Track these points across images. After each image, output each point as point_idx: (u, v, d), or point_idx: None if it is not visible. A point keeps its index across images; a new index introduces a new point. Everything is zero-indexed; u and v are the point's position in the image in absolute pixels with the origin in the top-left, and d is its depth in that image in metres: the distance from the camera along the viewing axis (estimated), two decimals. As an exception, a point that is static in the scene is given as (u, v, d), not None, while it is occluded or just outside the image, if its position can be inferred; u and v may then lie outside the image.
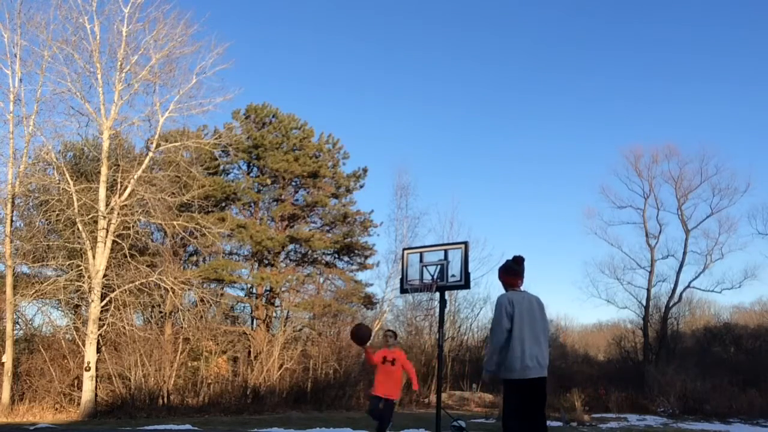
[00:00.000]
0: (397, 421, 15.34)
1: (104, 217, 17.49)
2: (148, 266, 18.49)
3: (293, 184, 26.28)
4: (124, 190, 17.75)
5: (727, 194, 29.30)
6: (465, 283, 9.35)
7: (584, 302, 77.53)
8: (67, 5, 17.60)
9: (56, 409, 17.82)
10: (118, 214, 17.56)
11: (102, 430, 13.52)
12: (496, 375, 5.41)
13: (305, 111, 57.84)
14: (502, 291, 5.61)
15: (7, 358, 17.50)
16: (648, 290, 29.35)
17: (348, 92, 62.94)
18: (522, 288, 5.55)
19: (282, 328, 22.62)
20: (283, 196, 25.91)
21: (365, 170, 27.07)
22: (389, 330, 8.77)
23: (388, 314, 27.04)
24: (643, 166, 30.71)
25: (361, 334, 8.32)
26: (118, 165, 17.99)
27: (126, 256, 17.68)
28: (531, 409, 5.25)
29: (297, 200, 26.60)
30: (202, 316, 20.35)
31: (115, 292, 17.55)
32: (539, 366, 5.22)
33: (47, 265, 18.89)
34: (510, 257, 5.68)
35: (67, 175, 17.69)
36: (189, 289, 20.55)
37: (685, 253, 29.14)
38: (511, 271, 5.53)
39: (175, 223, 18.20)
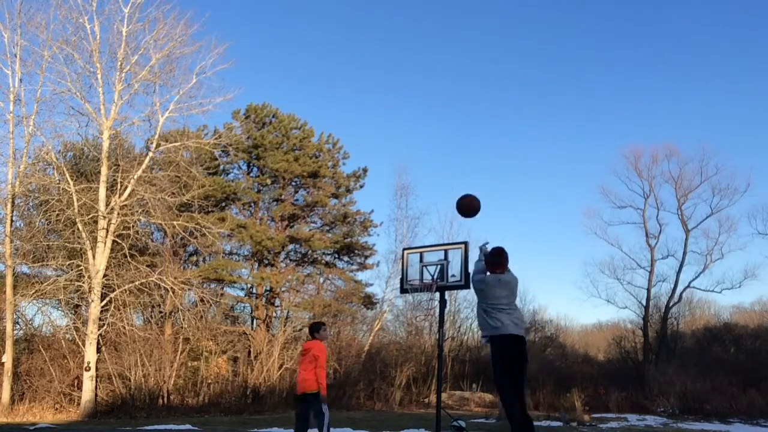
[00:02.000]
0: (397, 421, 15.35)
1: (104, 217, 17.49)
2: (148, 266, 18.49)
3: (293, 184, 26.29)
4: (124, 190, 17.75)
5: (727, 194, 29.29)
6: (465, 283, 9.32)
7: (584, 302, 77.44)
8: (67, 5, 17.64)
9: (56, 409, 17.82)
10: (118, 214, 17.56)
11: (102, 430, 13.52)
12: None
13: (305, 111, 57.90)
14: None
15: (7, 358, 17.50)
16: (648, 290, 29.34)
17: (348, 92, 63.02)
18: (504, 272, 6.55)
19: (282, 328, 22.62)
20: (283, 196, 25.91)
21: (365, 170, 27.10)
22: (316, 322, 8.57)
23: (388, 314, 27.06)
24: (643, 166, 30.72)
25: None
26: (118, 165, 17.99)
27: (126, 256, 17.69)
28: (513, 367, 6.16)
29: (297, 200, 26.62)
30: (202, 316, 20.35)
31: (115, 292, 17.55)
32: (502, 325, 6.19)
33: (47, 265, 18.89)
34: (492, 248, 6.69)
35: (67, 175, 17.69)
36: (189, 289, 20.55)
37: (685, 253, 29.14)
38: (489, 263, 6.57)
39: (175, 223, 18.20)
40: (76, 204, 17.40)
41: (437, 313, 9.79)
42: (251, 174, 26.45)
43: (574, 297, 73.71)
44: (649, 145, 37.90)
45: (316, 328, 8.26)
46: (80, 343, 17.88)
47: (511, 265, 6.65)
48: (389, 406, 21.63)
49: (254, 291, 25.44)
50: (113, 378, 18.35)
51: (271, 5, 67.79)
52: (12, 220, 18.47)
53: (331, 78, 65.74)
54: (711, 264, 28.94)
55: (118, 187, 17.75)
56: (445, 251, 9.49)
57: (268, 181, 25.56)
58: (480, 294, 6.50)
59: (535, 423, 16.42)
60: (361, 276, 26.86)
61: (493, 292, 6.32)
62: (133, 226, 17.80)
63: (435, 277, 9.30)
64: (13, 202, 18.46)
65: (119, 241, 17.69)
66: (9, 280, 17.87)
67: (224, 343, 21.31)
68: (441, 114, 66.16)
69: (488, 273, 6.56)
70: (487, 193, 61.04)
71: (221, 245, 22.90)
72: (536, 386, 23.57)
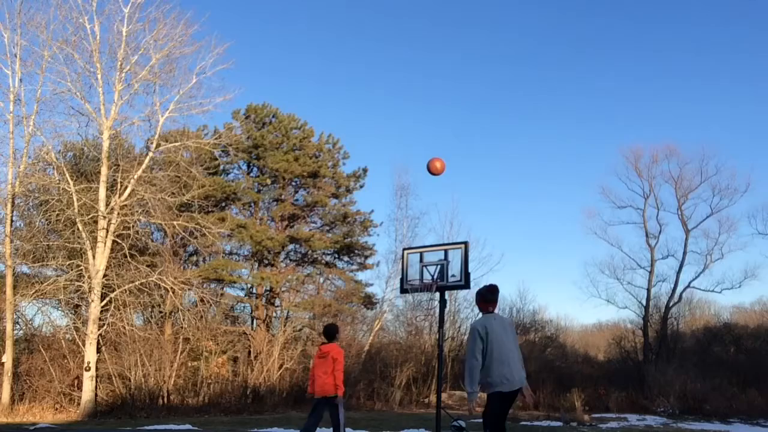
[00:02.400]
0: (397, 421, 15.35)
1: (104, 217, 17.49)
2: (148, 266, 18.49)
3: (293, 184, 26.28)
4: (124, 190, 17.75)
5: (727, 194, 29.24)
6: (465, 283, 9.34)
7: (584, 302, 77.38)
8: (67, 5, 17.65)
9: (56, 409, 17.82)
10: (118, 214, 17.56)
11: (102, 430, 13.53)
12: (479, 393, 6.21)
13: (305, 111, 57.85)
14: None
15: (7, 358, 17.50)
16: (648, 290, 29.31)
17: (348, 92, 63.08)
18: (495, 311, 6.27)
19: (282, 328, 22.61)
20: (283, 196, 25.91)
21: (365, 170, 27.09)
22: (333, 324, 8.63)
23: (388, 314, 27.03)
24: (643, 166, 30.66)
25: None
26: (118, 165, 17.99)
27: (126, 256, 17.69)
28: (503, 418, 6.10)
29: (297, 200, 26.61)
30: (202, 316, 20.35)
31: (115, 292, 17.55)
32: (509, 382, 5.91)
33: (47, 265, 18.89)
34: (486, 285, 6.41)
35: (67, 175, 17.69)
36: (189, 289, 20.54)
37: (685, 253, 29.11)
38: (484, 299, 6.27)
39: (175, 223, 18.20)
40: (76, 204, 17.40)
41: (437, 313, 9.80)
42: (251, 174, 26.45)
43: (574, 297, 73.82)
44: (649, 145, 37.80)
45: (336, 330, 8.33)
46: (80, 343, 17.88)
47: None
48: (389, 406, 21.62)
49: (254, 291, 25.44)
50: (113, 378, 18.34)
51: (272, 5, 67.83)
52: (12, 220, 18.47)
53: (332, 78, 65.83)
54: (711, 264, 28.93)
55: (118, 187, 17.75)
56: (445, 251, 9.50)
57: (268, 181, 25.55)
58: (485, 342, 5.93)
59: (535, 423, 16.37)
60: (361, 276, 26.90)
61: (495, 332, 5.93)
62: (133, 226, 17.80)
63: (435, 277, 9.30)
64: (13, 202, 18.46)
65: (119, 241, 17.69)
66: (9, 280, 17.87)
67: (224, 343, 21.31)
68: (441, 114, 66.23)
69: (481, 314, 6.27)
70: (487, 193, 61.15)
71: (221, 245, 22.91)
72: (536, 386, 23.53)
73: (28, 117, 18.60)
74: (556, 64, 65.59)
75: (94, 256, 17.37)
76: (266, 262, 25.70)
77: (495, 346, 5.92)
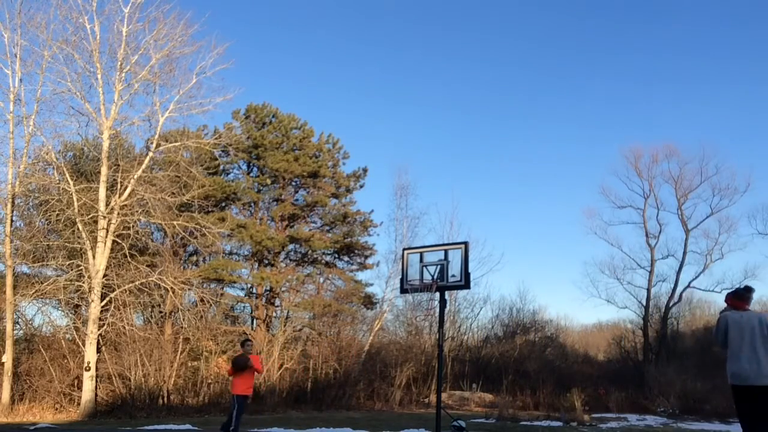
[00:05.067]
0: (397, 421, 15.35)
1: (104, 217, 17.49)
2: (148, 266, 18.49)
3: (293, 184, 26.28)
4: (124, 190, 17.75)
5: (727, 194, 29.31)
6: (465, 283, 9.36)
7: (584, 302, 77.42)
8: (67, 5, 17.65)
9: (56, 409, 17.82)
10: (118, 214, 17.56)
11: (102, 429, 13.53)
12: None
13: (305, 111, 57.99)
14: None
15: (7, 358, 17.50)
16: (648, 290, 29.35)
17: (348, 92, 63.13)
18: (747, 309, 6.39)
19: (282, 328, 22.61)
20: (283, 196, 25.91)
21: (365, 170, 27.10)
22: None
23: (388, 314, 27.02)
24: (643, 166, 30.72)
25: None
26: (118, 165, 17.99)
27: (126, 256, 17.69)
28: (746, 414, 6.04)
29: (297, 200, 26.61)
30: (202, 316, 20.35)
31: (115, 292, 17.55)
32: (753, 375, 5.94)
33: (47, 265, 18.89)
34: (742, 285, 6.65)
35: (67, 175, 17.69)
36: (189, 289, 20.54)
37: (685, 253, 29.15)
38: (737, 295, 6.47)
39: (175, 223, 18.19)
40: (76, 204, 17.40)
41: (437, 313, 9.82)
42: (251, 174, 26.45)
43: (574, 297, 73.81)
44: (649, 145, 37.91)
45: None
46: (80, 343, 17.88)
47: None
48: (389, 406, 21.62)
49: (254, 291, 25.44)
50: (113, 378, 18.34)
51: (271, 5, 67.84)
52: (12, 220, 18.47)
53: (331, 78, 65.85)
54: (711, 264, 28.99)
55: (118, 187, 17.75)
56: (445, 251, 9.52)
57: (268, 181, 25.55)
58: (725, 334, 6.29)
59: (535, 423, 16.34)
60: (361, 276, 26.89)
61: (733, 328, 6.20)
62: (133, 226, 17.80)
63: (435, 277, 9.32)
64: (13, 202, 18.46)
65: (119, 241, 17.69)
66: (9, 280, 17.87)
67: (224, 343, 21.29)
68: (441, 114, 66.27)
69: (730, 311, 6.38)
70: (488, 193, 61.15)
71: (221, 245, 22.89)
72: (536, 386, 23.55)
73: (28, 117, 18.61)
74: (557, 64, 65.67)
75: (94, 256, 17.36)
76: (266, 262, 25.71)
77: (730, 341, 6.15)
